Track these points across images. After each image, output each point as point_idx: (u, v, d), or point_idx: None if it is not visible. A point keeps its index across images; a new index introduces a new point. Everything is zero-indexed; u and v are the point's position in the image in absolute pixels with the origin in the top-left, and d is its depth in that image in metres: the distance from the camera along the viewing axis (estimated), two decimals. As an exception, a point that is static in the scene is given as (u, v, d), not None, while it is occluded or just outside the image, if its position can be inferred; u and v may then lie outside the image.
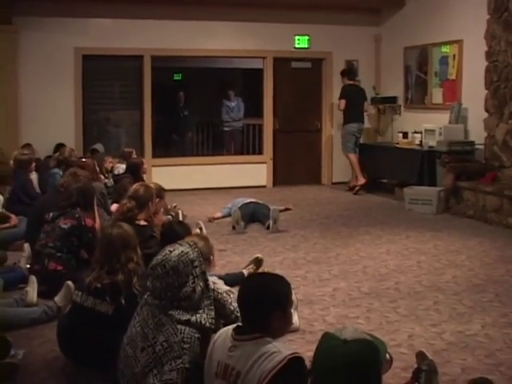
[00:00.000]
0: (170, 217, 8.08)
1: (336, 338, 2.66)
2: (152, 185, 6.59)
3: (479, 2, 10.52)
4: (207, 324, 3.55)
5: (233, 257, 7.53)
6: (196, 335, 3.49)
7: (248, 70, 15.68)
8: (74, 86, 12.19)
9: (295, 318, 5.14)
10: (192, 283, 3.55)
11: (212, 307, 3.63)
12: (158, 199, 6.31)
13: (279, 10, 12.90)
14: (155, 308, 3.56)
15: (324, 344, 2.72)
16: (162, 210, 7.96)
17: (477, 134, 10.75)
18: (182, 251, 3.59)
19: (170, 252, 3.58)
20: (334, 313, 5.63)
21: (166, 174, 12.08)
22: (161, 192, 6.60)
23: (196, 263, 3.60)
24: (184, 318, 3.49)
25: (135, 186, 6.27)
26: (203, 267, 3.64)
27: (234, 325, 3.32)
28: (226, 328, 3.37)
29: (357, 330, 2.78)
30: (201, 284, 3.59)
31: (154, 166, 12.21)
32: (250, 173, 13.19)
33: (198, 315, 3.55)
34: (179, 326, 3.48)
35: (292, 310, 5.07)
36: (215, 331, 3.49)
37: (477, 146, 10.72)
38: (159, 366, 3.45)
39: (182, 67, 16.50)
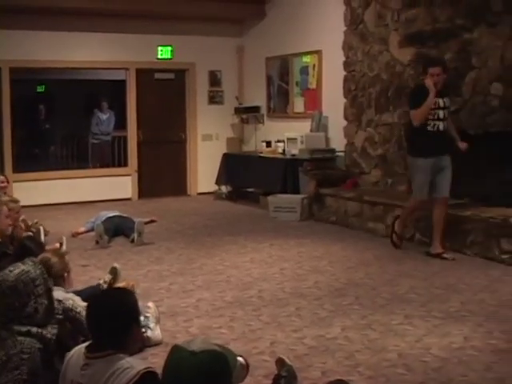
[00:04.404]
0: (30, 233, 7.85)
1: (184, 349, 2.65)
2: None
3: (336, 14, 10.82)
4: (48, 335, 3.45)
5: (96, 272, 7.38)
6: (37, 345, 3.38)
7: (112, 82, 15.56)
8: None
9: (157, 331, 5.11)
10: (34, 303, 3.43)
11: (55, 326, 3.54)
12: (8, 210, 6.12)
13: (142, 20, 12.80)
14: None
15: (172, 356, 2.70)
16: (23, 225, 7.75)
17: (337, 141, 11.06)
18: (23, 270, 3.46)
19: (10, 272, 3.44)
20: (197, 324, 5.61)
21: (28, 189, 11.73)
22: (11, 204, 6.42)
23: (37, 282, 3.48)
24: (24, 330, 3.38)
25: None
26: (48, 284, 3.54)
27: (87, 343, 3.25)
28: (79, 346, 3.28)
29: (205, 341, 2.77)
30: (45, 302, 3.48)
31: (15, 181, 11.81)
32: (115, 185, 12.96)
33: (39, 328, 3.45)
34: (19, 338, 3.37)
35: (153, 324, 5.08)
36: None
37: (337, 154, 11.03)
38: None
39: (45, 79, 16.15)
